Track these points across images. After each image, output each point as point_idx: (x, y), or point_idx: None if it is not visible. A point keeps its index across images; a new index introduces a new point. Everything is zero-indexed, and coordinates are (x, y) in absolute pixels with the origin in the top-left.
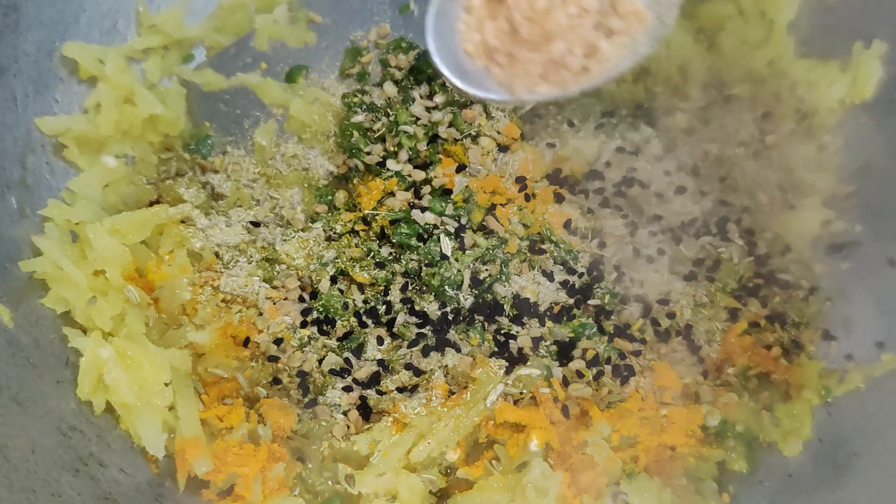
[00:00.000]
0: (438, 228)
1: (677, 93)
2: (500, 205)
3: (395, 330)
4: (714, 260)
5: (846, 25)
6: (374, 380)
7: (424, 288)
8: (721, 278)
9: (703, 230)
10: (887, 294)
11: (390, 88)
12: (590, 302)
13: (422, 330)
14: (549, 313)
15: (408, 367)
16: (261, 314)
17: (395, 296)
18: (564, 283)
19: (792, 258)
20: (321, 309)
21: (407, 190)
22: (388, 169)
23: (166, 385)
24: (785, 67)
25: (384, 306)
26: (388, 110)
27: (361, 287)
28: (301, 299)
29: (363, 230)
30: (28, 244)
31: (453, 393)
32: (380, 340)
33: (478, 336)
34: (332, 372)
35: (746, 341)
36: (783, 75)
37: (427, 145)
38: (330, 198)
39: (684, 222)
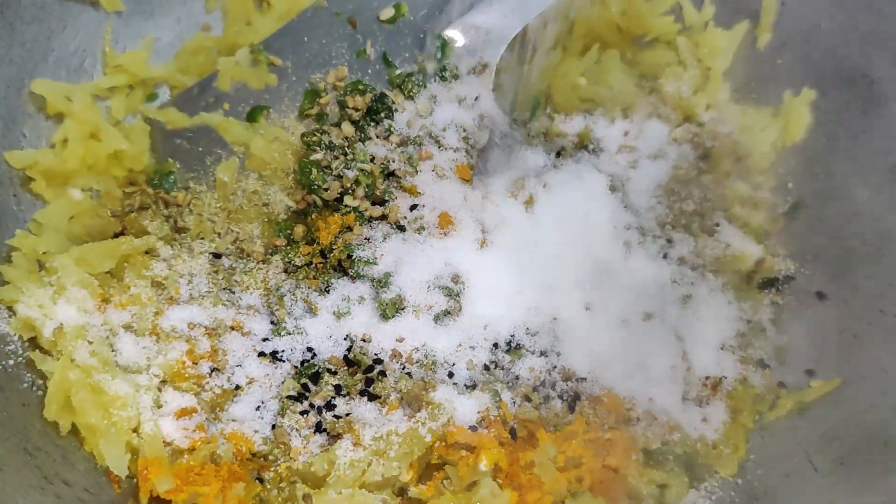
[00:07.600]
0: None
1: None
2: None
3: (351, 356)
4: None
5: (778, 74)
6: (330, 404)
7: (381, 316)
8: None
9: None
10: (816, 325)
11: (348, 128)
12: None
13: (377, 356)
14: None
15: (362, 392)
16: (221, 341)
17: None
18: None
19: (728, 291)
20: (279, 337)
21: (363, 225)
22: (345, 205)
23: (130, 408)
24: (721, 112)
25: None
26: (346, 149)
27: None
28: (260, 328)
29: (320, 263)
30: None
31: (407, 416)
32: (335, 368)
33: (431, 361)
34: (290, 397)
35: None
36: (720, 119)
37: (383, 182)
38: (289, 232)
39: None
